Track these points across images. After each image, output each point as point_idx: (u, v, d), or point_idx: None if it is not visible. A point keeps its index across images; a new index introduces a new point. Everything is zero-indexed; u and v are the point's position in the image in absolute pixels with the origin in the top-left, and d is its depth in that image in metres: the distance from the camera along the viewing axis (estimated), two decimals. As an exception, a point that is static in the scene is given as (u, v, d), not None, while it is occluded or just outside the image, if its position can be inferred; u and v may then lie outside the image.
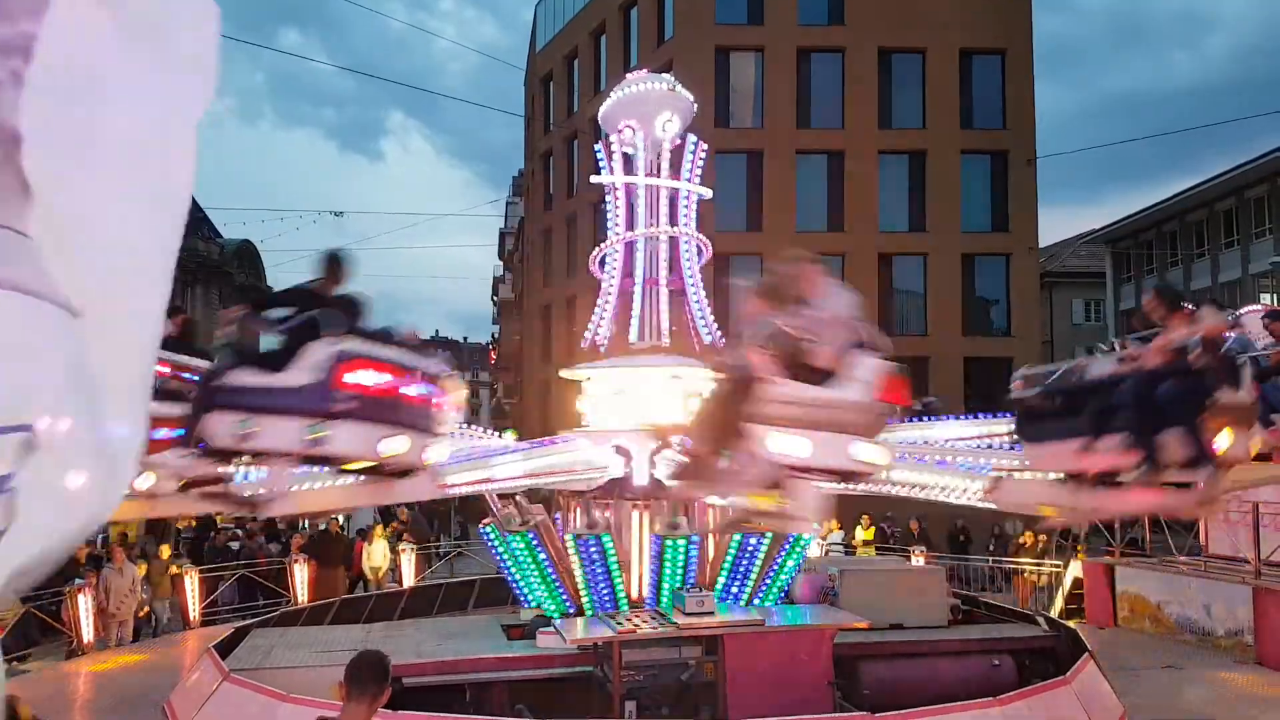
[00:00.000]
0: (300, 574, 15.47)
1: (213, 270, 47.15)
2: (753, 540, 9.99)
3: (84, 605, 12.53)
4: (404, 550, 16.95)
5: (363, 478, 6.50)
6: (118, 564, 14.04)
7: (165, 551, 16.94)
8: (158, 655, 12.33)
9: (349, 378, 5.56)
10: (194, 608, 14.50)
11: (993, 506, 7.89)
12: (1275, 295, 29.56)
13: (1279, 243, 32.66)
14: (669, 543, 9.67)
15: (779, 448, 5.42)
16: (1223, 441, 5.90)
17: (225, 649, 9.94)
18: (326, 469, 6.39)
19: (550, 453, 9.94)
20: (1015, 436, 7.53)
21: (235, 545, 18.69)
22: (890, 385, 5.59)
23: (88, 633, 12.53)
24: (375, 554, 17.82)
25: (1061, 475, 6.84)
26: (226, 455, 5.89)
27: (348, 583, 17.87)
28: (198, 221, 46.52)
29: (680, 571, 9.75)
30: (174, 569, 15.65)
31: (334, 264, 6.15)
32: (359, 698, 3.89)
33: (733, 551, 10.16)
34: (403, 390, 5.87)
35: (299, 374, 5.58)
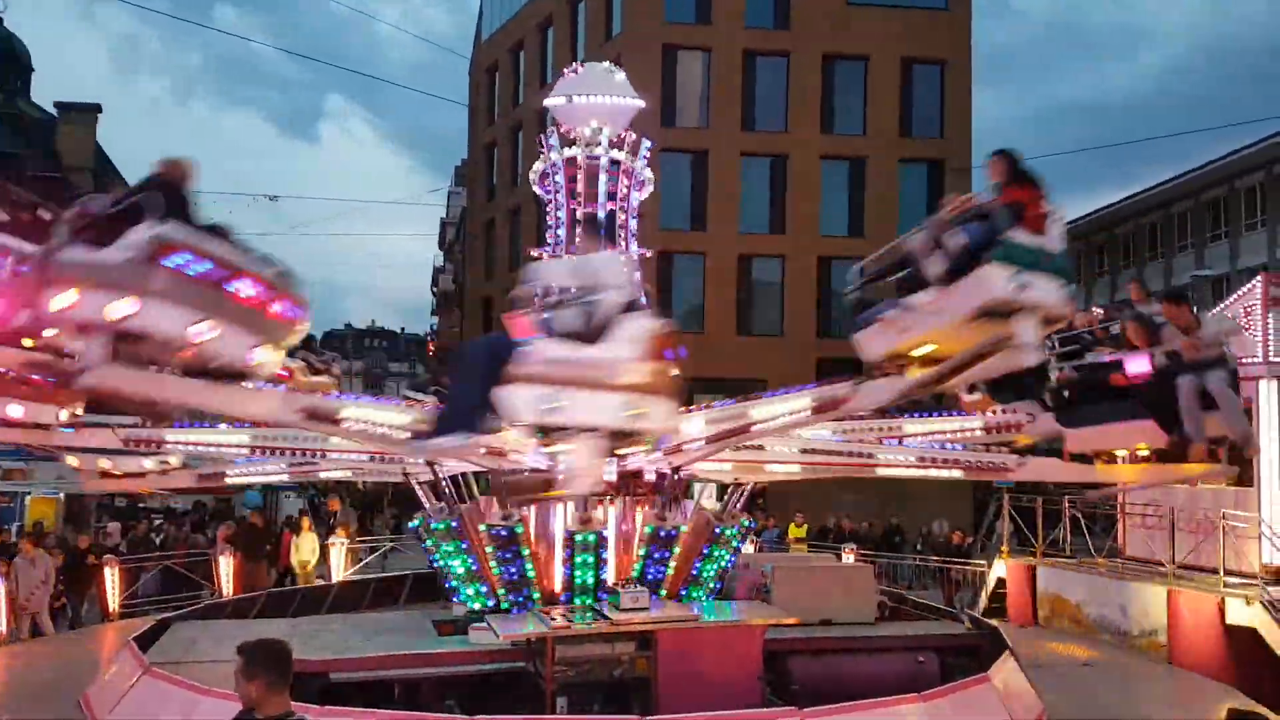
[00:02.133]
0: (225, 566, 15.14)
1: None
2: (663, 533, 10.03)
3: (-4, 596, 12.12)
4: (334, 544, 16.69)
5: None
6: (28, 555, 13.59)
7: (85, 541, 16.44)
8: (74, 648, 11.95)
9: (167, 260, 5.71)
10: (114, 599, 14.10)
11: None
12: (1195, 308, 30.59)
13: (1200, 257, 33.88)
14: (578, 537, 9.67)
15: (547, 406, 5.58)
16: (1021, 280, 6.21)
17: (146, 641, 9.67)
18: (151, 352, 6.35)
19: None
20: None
21: (157, 537, 18.26)
22: (660, 343, 5.73)
23: (0, 624, 12.11)
24: (304, 547, 17.50)
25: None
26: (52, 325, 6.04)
27: (274, 576, 17.55)
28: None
29: (592, 565, 9.76)
30: (93, 559, 15.20)
31: (174, 162, 6.43)
32: (280, 685, 3.90)
33: (645, 546, 10.18)
34: (228, 285, 5.97)
35: (117, 252, 5.73)
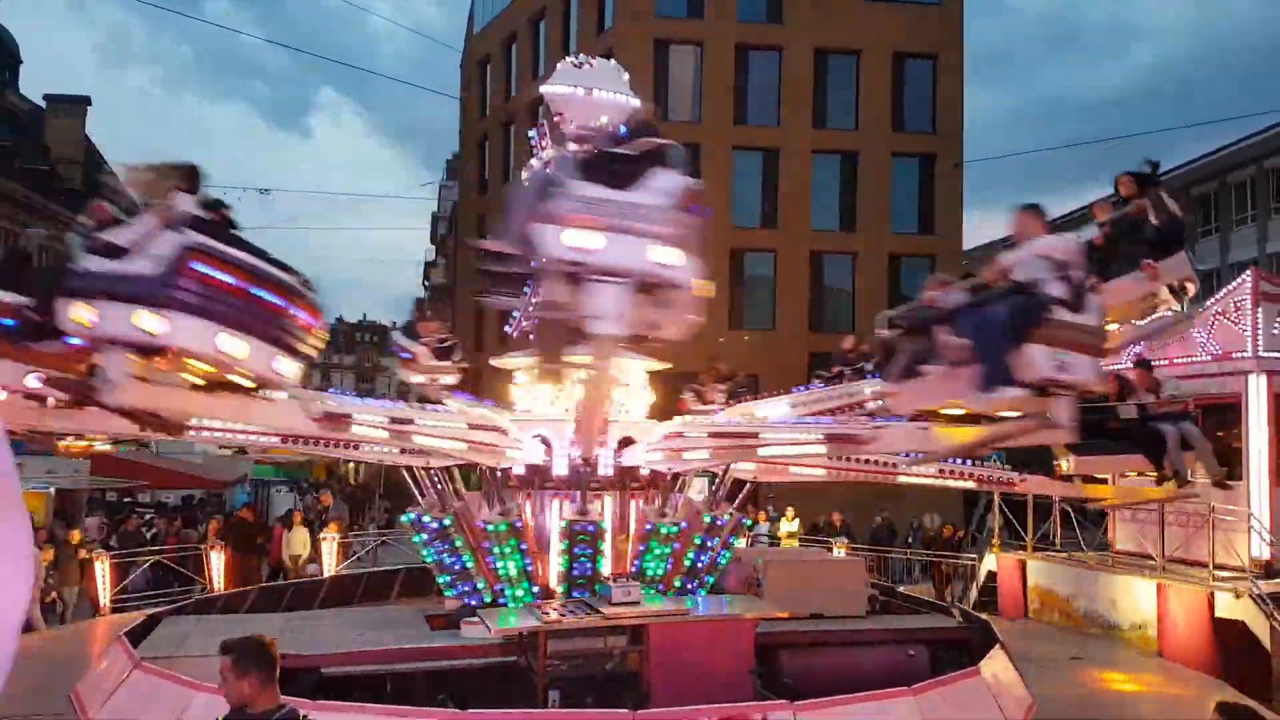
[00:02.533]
0: (217, 560, 15.10)
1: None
2: (664, 529, 10.05)
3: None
4: (326, 538, 16.66)
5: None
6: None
7: (75, 536, 16.37)
8: (64, 643, 11.92)
9: (194, 268, 5.46)
10: (104, 594, 14.06)
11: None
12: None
13: (1190, 250, 33.97)
14: (576, 530, 9.69)
15: (572, 242, 5.46)
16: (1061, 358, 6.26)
17: (136, 637, 9.65)
18: (173, 365, 6.10)
19: (446, 418, 9.61)
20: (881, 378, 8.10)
21: (148, 532, 18.20)
22: (691, 198, 5.75)
23: (-10, 619, 12.04)
24: (295, 542, 17.48)
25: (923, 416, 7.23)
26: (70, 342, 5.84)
27: (266, 571, 17.52)
28: (117, 196, 44.97)
29: (589, 559, 9.77)
30: (83, 554, 15.15)
31: (192, 172, 6.19)
32: (270, 680, 3.92)
33: (645, 540, 10.20)
34: (254, 293, 5.76)
35: (143, 262, 5.47)
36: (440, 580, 10.61)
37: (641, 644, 8.94)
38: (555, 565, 10.16)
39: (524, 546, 9.88)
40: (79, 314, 5.53)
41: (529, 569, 9.99)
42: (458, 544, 10.10)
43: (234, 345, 5.66)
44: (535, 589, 10.02)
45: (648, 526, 9.97)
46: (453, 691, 8.99)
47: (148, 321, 5.41)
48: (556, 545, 10.12)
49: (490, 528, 9.76)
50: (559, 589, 10.00)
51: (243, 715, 3.91)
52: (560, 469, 10.38)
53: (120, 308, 5.44)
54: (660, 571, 10.13)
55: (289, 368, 6.27)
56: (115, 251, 5.64)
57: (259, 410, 6.76)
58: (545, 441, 10.49)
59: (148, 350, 5.67)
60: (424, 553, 10.61)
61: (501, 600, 9.92)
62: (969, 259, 39.80)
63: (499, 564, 9.87)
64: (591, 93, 11.49)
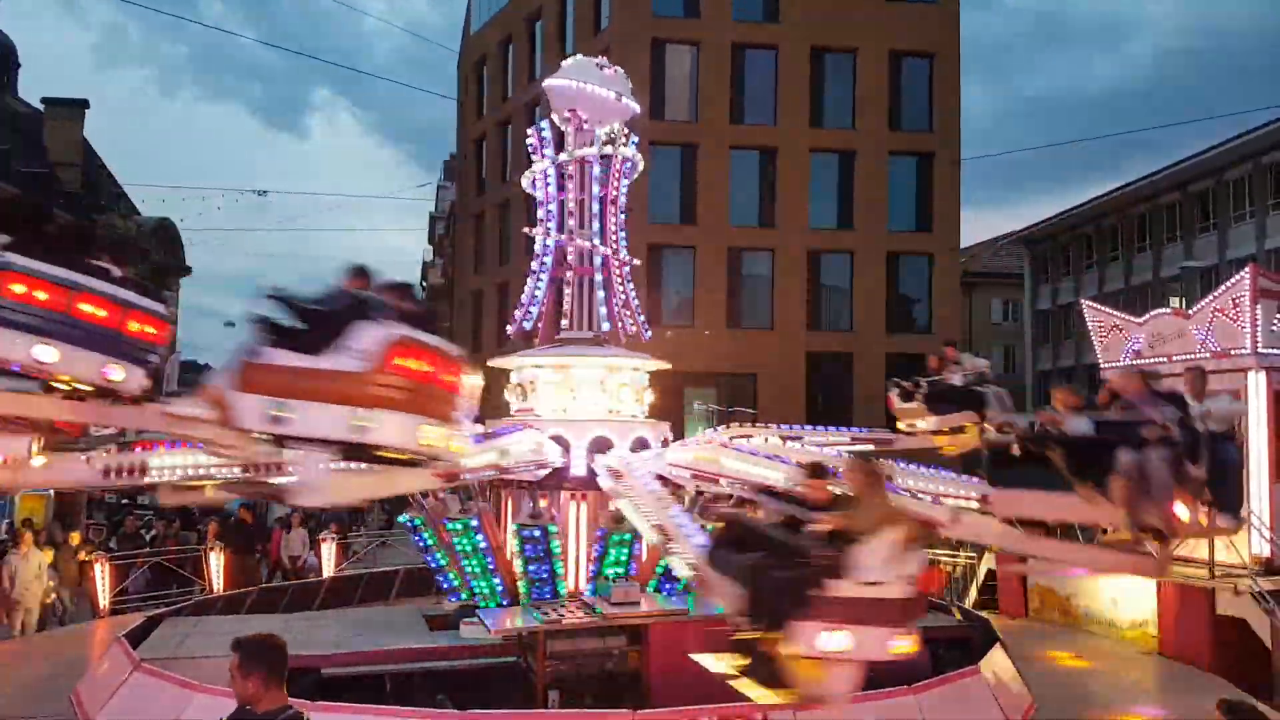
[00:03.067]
0: (216, 562, 15.08)
1: (129, 248, 45.57)
2: (615, 536, 10.09)
3: (-15, 593, 12.06)
4: (324, 539, 16.64)
5: (364, 466, 6.17)
6: (24, 550, 13.52)
7: (75, 538, 16.35)
8: (65, 644, 11.90)
9: (399, 363, 5.28)
10: (104, 596, 14.03)
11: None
12: (1184, 299, 30.79)
13: (1189, 248, 34.00)
14: (614, 536, 9.68)
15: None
16: (1181, 512, 6.47)
17: (136, 638, 9.65)
18: (351, 458, 5.98)
19: (516, 442, 9.83)
20: (987, 476, 7.99)
21: (147, 534, 18.17)
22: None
23: (-10, 622, 12.05)
24: (294, 543, 17.47)
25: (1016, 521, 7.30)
26: (252, 438, 5.60)
27: (265, 572, 17.51)
28: (115, 198, 44.92)
29: (624, 564, 9.77)
30: (83, 555, 15.12)
31: (361, 271, 5.98)
32: (275, 680, 3.88)
33: (601, 544, 10.22)
34: (441, 378, 5.63)
35: (343, 357, 5.28)
36: (444, 582, 10.66)
37: (640, 644, 8.94)
38: (579, 568, 10.19)
39: (484, 545, 9.89)
40: (265, 410, 5.30)
41: (491, 568, 10.00)
42: (479, 545, 10.11)
43: (434, 434, 5.54)
44: (561, 589, 10.01)
45: (599, 531, 9.96)
46: (452, 692, 8.99)
47: (359, 422, 5.25)
48: (577, 549, 10.15)
49: (523, 530, 9.76)
50: (585, 590, 10.03)
51: (246, 714, 3.89)
52: (578, 470, 10.37)
53: (324, 406, 5.26)
54: (620, 574, 10.07)
55: (460, 442, 6.12)
56: (301, 342, 5.44)
57: (403, 480, 6.63)
58: (562, 442, 10.48)
59: (349, 448, 5.54)
60: (435, 555, 10.64)
61: (524, 601, 9.93)
62: (966, 256, 39.84)
63: (524, 565, 9.89)
64: (603, 91, 11.54)
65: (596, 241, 11.60)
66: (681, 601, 9.69)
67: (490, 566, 10.07)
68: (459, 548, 9.98)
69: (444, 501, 10.47)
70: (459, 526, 9.87)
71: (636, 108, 11.89)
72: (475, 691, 9.02)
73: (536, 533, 9.71)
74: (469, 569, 9.99)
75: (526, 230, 12.11)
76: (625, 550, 9.82)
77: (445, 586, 10.65)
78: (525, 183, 12.28)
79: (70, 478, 7.65)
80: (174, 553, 16.77)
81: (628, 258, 11.95)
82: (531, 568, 9.82)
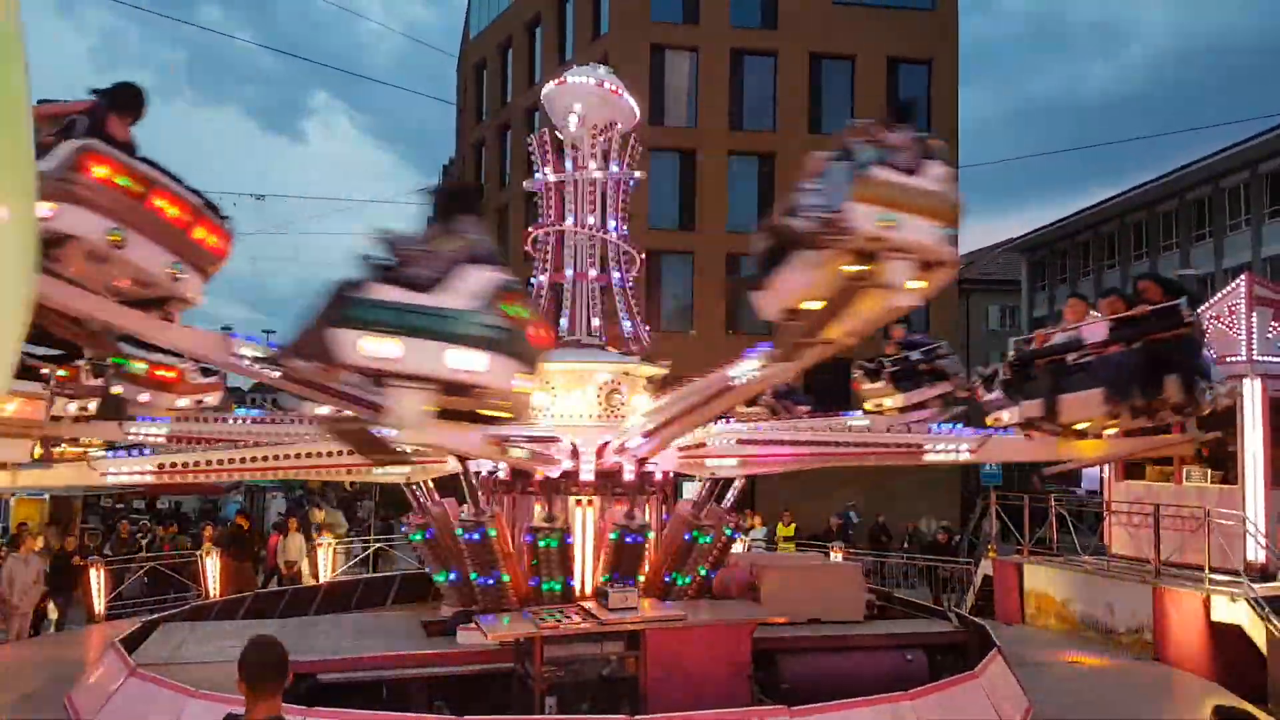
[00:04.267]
0: (211, 567, 15.06)
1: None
2: (703, 539, 10.07)
3: (-20, 598, 12.04)
4: (321, 544, 16.61)
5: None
6: (24, 554, 13.50)
7: (70, 543, 16.33)
8: (60, 649, 11.88)
9: (506, 308, 5.50)
10: (99, 601, 14.01)
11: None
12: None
13: (1185, 256, 34.08)
14: (625, 538, 9.68)
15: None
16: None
17: (132, 643, 9.62)
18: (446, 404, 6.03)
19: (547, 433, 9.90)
20: (1006, 394, 8.85)
21: (143, 539, 18.16)
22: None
23: (-15, 626, 12.03)
24: (291, 548, 17.44)
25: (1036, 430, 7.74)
26: (357, 373, 5.70)
27: (261, 577, 17.49)
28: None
29: (636, 565, 9.76)
30: (78, 560, 15.09)
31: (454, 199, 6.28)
32: (266, 692, 3.78)
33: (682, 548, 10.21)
34: (529, 329, 5.88)
35: (454, 297, 5.44)
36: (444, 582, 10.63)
37: (638, 649, 8.93)
38: (585, 571, 10.18)
39: (495, 551, 9.86)
40: (378, 348, 5.41)
41: (501, 573, 9.97)
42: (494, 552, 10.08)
43: (527, 382, 5.89)
44: (510, 594, 10.01)
45: (611, 536, 9.93)
46: (449, 698, 8.98)
47: (464, 360, 5.39)
48: (585, 552, 10.14)
49: (534, 534, 9.73)
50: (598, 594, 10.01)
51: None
52: (586, 474, 10.36)
53: (430, 344, 5.42)
54: (681, 576, 10.09)
55: (528, 388, 6.34)
56: (410, 282, 5.56)
57: (468, 439, 6.76)
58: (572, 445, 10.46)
59: (452, 387, 5.65)
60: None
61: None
62: (963, 263, 39.88)
63: (472, 570, 9.90)
64: (605, 85, 11.56)
65: (597, 246, 11.62)
66: (679, 607, 9.69)
67: (500, 572, 10.03)
68: (469, 554, 9.91)
69: (444, 506, 10.46)
70: (472, 535, 9.82)
71: (636, 108, 11.91)
72: (472, 697, 9.01)
73: (552, 538, 9.70)
74: (476, 575, 9.93)
75: (530, 229, 12.11)
76: (639, 552, 9.83)
77: (445, 591, 10.61)
78: (528, 184, 12.30)
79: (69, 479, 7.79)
80: (170, 557, 16.75)
81: (631, 255, 11.95)
82: (544, 573, 9.78)
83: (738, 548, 12.82)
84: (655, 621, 9.01)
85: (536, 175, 11.91)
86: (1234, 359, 12.87)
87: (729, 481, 11.31)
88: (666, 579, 10.31)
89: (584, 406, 10.81)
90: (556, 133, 11.95)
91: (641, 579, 9.96)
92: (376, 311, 5.49)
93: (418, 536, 10.39)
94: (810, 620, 10.85)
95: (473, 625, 9.36)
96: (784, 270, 6.48)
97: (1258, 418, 12.79)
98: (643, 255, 12.53)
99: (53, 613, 14.96)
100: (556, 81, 11.81)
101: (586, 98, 11.57)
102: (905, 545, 22.18)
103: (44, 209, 5.44)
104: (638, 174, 12.07)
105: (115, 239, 5.65)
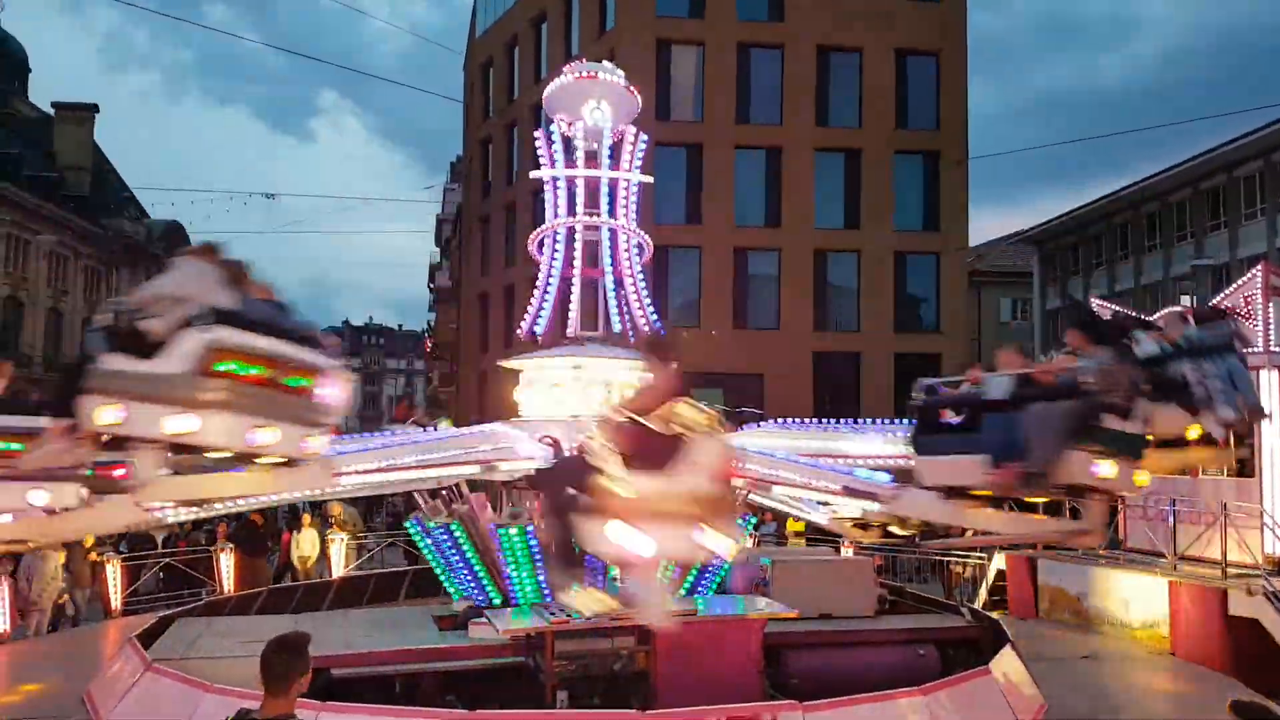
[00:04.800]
0: (226, 563, 15.13)
1: (140, 252, 45.75)
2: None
3: (0, 595, 12.10)
4: (334, 540, 16.67)
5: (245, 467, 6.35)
6: (42, 550, 13.59)
7: (88, 539, 16.42)
8: (77, 645, 11.96)
9: (219, 367, 5.49)
10: (115, 597, 14.10)
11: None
12: (1195, 298, 30.65)
13: (1199, 246, 33.84)
14: (502, 534, 9.68)
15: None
16: (1105, 470, 6.10)
17: (148, 638, 9.67)
18: (203, 457, 6.15)
19: (450, 445, 9.64)
20: (910, 446, 7.65)
21: (159, 535, 18.23)
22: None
23: (4, 623, 12.10)
24: (304, 543, 17.52)
25: (946, 490, 7.05)
26: (98, 441, 5.81)
27: (273, 572, 17.56)
28: (124, 201, 45.14)
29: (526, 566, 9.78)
30: (94, 556, 15.19)
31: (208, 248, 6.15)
32: (277, 689, 3.81)
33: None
34: (279, 381, 5.80)
35: (169, 361, 5.49)
36: (445, 583, 10.68)
37: (649, 644, 8.93)
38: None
39: (466, 547, 9.90)
40: (104, 415, 5.52)
41: (478, 569, 9.99)
42: (465, 548, 10.12)
43: (266, 435, 5.74)
44: (492, 588, 10.02)
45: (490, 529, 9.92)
46: (461, 692, 9.00)
47: (179, 424, 5.44)
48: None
49: (498, 531, 9.76)
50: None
51: (247, 717, 3.86)
52: None
53: (152, 408, 5.45)
54: (678, 572, 10.07)
55: (318, 442, 6.35)
56: (139, 348, 5.60)
57: (288, 480, 6.78)
58: (553, 443, 10.45)
59: (180, 448, 5.72)
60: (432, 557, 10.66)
61: (521, 601, 9.91)
62: (974, 255, 39.74)
63: (453, 565, 9.93)
64: (597, 77, 11.52)
65: (606, 242, 11.58)
66: (690, 602, 9.68)
67: (477, 568, 10.08)
68: (445, 550, 10.02)
69: (434, 505, 10.49)
70: (441, 530, 9.91)
71: (635, 95, 11.85)
72: (484, 691, 9.02)
73: (512, 532, 9.69)
74: (457, 570, 10.02)
75: (536, 232, 12.08)
76: (523, 553, 9.82)
77: (448, 587, 10.65)
78: (536, 175, 12.25)
79: (119, 521, 7.82)
80: (185, 553, 16.84)
81: (640, 244, 11.90)
82: (511, 568, 9.79)
83: (748, 543, 12.78)
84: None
85: (543, 165, 11.86)
86: (1250, 350, 12.77)
87: None
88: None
89: (584, 403, 10.78)
90: (563, 128, 11.91)
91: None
92: (105, 379, 5.62)
93: (456, 527, 10.26)
94: (821, 615, 10.83)
95: (484, 620, 9.39)
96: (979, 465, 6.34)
97: (1275, 408, 12.70)
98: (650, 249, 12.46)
99: (71, 608, 15.06)
100: (557, 83, 11.76)
101: (585, 95, 11.53)
102: (917, 540, 22.12)
103: (181, 422, 5.41)
104: (647, 178, 12.02)
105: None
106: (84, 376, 5.71)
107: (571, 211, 11.64)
